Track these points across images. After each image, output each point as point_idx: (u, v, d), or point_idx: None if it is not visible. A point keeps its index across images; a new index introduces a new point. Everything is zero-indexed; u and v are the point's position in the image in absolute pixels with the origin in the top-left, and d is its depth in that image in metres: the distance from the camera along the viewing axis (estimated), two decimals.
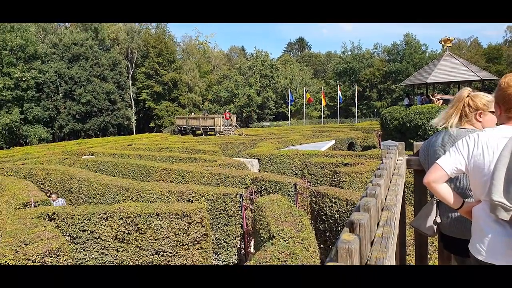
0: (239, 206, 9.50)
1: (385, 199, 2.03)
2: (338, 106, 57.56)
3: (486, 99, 2.70)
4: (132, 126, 56.32)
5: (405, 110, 19.10)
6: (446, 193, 2.23)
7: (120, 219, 7.95)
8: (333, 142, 23.04)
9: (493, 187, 1.86)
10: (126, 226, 7.96)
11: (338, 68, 70.22)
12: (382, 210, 1.85)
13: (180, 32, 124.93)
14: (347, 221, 1.53)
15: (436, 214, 2.78)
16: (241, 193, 9.56)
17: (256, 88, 61.43)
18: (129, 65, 57.22)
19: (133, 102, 56.64)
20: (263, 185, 10.84)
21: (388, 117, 20.16)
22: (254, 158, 16.56)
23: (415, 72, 34.30)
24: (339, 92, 55.76)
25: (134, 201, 10.03)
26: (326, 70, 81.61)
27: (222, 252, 9.60)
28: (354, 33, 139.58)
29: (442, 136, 2.83)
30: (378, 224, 1.67)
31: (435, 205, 2.80)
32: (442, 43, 21.18)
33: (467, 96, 2.74)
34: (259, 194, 10.54)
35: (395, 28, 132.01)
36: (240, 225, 9.59)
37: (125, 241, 8.03)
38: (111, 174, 15.31)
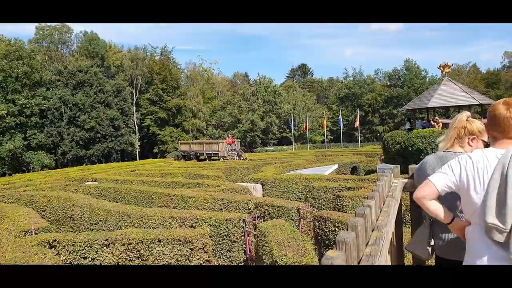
0: (242, 232, 9.45)
1: (377, 220, 2.06)
2: (341, 130, 57.67)
3: (481, 126, 2.82)
4: (136, 152, 56.35)
5: (407, 134, 19.17)
6: (436, 208, 2.29)
7: (122, 245, 7.90)
8: (336, 166, 23.02)
9: (487, 209, 1.90)
10: (128, 253, 7.91)
11: (340, 93, 70.66)
12: (372, 230, 1.89)
13: (184, 59, 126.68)
14: None
15: (430, 236, 2.82)
16: (244, 218, 9.52)
17: (259, 113, 61.83)
18: (134, 92, 57.63)
19: (137, 128, 56.82)
20: (266, 210, 10.79)
21: (390, 141, 20.21)
22: (257, 183, 16.53)
23: (416, 97, 34.51)
24: (340, 118, 55.96)
25: (136, 227, 9.99)
26: (328, 96, 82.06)
27: None
28: (355, 58, 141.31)
29: (432, 159, 2.94)
30: (367, 244, 1.70)
31: (428, 228, 2.84)
32: (441, 69, 21.35)
33: (466, 120, 2.86)
34: (262, 219, 10.50)
35: (395, 54, 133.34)
36: (243, 251, 9.51)
37: None
38: (113, 200, 15.28)
